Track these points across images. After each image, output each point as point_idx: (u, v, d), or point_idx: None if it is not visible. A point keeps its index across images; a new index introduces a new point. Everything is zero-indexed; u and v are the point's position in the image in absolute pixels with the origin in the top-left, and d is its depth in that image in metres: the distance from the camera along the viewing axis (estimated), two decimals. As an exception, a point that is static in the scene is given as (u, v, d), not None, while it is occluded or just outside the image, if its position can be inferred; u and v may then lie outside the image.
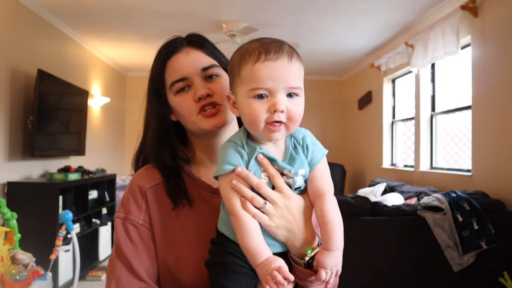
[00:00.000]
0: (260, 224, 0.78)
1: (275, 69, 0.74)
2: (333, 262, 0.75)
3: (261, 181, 0.78)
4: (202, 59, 0.94)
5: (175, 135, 0.98)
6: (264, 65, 0.75)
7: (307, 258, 0.78)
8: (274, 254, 0.77)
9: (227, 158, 0.78)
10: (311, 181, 0.81)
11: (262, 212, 0.78)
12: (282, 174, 0.79)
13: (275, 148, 0.80)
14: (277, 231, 0.78)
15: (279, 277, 0.71)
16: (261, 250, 0.74)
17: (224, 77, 0.95)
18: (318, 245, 0.81)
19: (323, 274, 0.74)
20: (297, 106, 0.76)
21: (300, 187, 0.81)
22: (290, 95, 0.76)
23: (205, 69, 0.93)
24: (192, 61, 0.93)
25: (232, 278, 0.77)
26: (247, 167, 0.78)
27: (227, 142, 0.81)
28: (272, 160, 0.78)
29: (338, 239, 0.77)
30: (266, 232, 0.79)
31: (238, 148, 0.78)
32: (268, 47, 0.76)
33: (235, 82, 0.80)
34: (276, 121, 0.74)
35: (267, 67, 0.74)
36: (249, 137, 0.81)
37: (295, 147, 0.80)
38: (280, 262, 0.73)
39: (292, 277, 0.72)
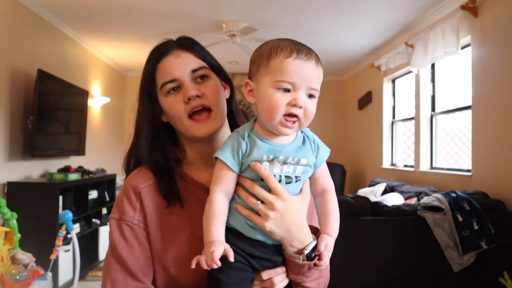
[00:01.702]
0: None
1: (304, 68, 0.80)
2: (332, 246, 0.85)
3: (270, 175, 0.81)
4: (191, 61, 0.96)
5: (167, 136, 1.00)
6: (295, 62, 0.79)
7: (306, 252, 0.83)
8: (269, 245, 0.83)
9: (227, 146, 0.83)
10: (318, 179, 0.88)
11: (257, 212, 0.82)
12: (284, 163, 0.82)
13: (281, 139, 0.84)
14: (273, 233, 0.82)
15: (208, 260, 0.76)
16: (212, 232, 0.79)
17: (214, 79, 0.98)
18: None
19: (327, 256, 0.83)
20: (313, 106, 0.82)
21: (299, 178, 0.85)
22: (309, 95, 0.82)
23: (194, 70, 0.95)
24: (182, 63, 0.95)
25: (229, 273, 0.80)
26: (248, 156, 0.82)
27: (234, 131, 0.86)
28: (276, 148, 0.82)
29: (337, 227, 0.87)
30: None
31: (239, 139, 0.83)
32: (300, 48, 0.81)
33: (260, 71, 0.82)
34: (293, 114, 0.79)
35: (297, 64, 0.79)
36: (255, 129, 0.85)
37: (303, 141, 0.86)
38: (219, 248, 0.76)
39: (218, 263, 0.75)
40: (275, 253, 0.85)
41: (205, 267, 0.76)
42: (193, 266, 0.77)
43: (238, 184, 0.85)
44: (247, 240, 0.83)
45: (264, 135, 0.83)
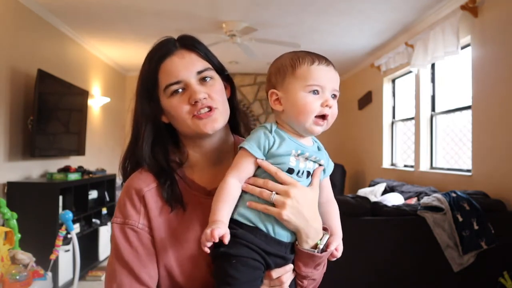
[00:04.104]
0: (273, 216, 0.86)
1: (328, 72, 0.88)
2: (342, 245, 0.93)
3: (278, 170, 0.86)
4: (197, 62, 0.94)
5: (167, 137, 0.98)
6: (319, 68, 0.87)
7: (321, 246, 0.88)
8: (284, 242, 0.86)
9: (253, 137, 0.88)
10: (323, 189, 0.94)
11: (273, 204, 0.85)
12: (307, 159, 0.88)
13: (304, 141, 0.90)
14: (291, 222, 0.84)
15: (208, 235, 0.78)
16: (218, 212, 0.83)
17: (218, 79, 0.96)
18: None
19: (339, 252, 0.92)
20: (336, 106, 0.89)
21: (310, 172, 0.90)
22: (333, 95, 0.89)
23: (200, 72, 0.93)
24: (187, 64, 0.93)
25: (244, 270, 0.81)
26: (277, 147, 0.86)
27: (259, 126, 0.90)
28: (303, 149, 0.88)
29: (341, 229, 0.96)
30: (278, 223, 0.85)
31: (267, 132, 0.87)
32: (318, 56, 0.89)
33: (286, 80, 0.88)
34: (324, 115, 0.86)
35: (321, 69, 0.87)
36: (280, 127, 0.90)
37: (318, 148, 0.93)
38: (222, 228, 0.80)
39: (215, 239, 0.77)
40: (289, 250, 0.88)
41: (205, 245, 0.78)
42: (206, 250, 0.79)
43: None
44: (263, 237, 0.84)
45: (290, 134, 0.89)
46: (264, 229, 0.85)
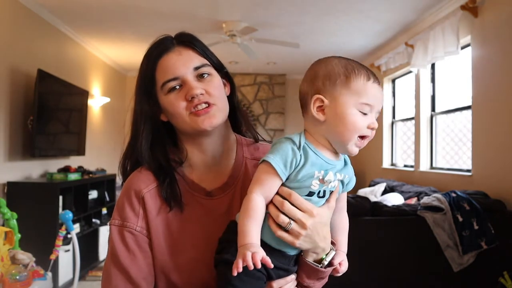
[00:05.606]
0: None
1: (379, 92, 0.84)
2: (346, 260, 0.91)
3: (293, 194, 0.81)
4: (194, 58, 0.93)
5: (166, 135, 0.97)
6: (373, 86, 0.83)
7: (326, 263, 0.86)
8: (289, 255, 0.84)
9: (279, 151, 0.81)
10: (341, 200, 0.91)
11: (288, 231, 0.81)
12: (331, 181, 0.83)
13: (332, 156, 0.85)
14: (302, 247, 0.83)
15: (250, 260, 0.73)
16: (252, 234, 0.77)
17: (216, 76, 0.95)
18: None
19: (344, 267, 0.89)
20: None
21: (333, 191, 0.87)
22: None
23: (197, 68, 0.92)
24: (184, 60, 0.92)
25: (246, 280, 0.79)
26: (299, 170, 0.81)
27: (285, 137, 0.83)
28: (328, 165, 0.83)
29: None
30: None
31: (295, 148, 0.81)
32: (372, 72, 0.84)
33: (337, 89, 0.82)
34: (366, 136, 0.82)
35: (375, 88, 0.83)
36: (308, 140, 0.84)
37: (345, 162, 0.88)
38: (260, 252, 0.75)
39: (258, 265, 0.73)
40: (292, 262, 0.86)
41: (240, 269, 0.74)
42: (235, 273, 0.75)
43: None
44: (268, 248, 0.82)
45: (318, 148, 0.83)
46: (271, 244, 0.83)
